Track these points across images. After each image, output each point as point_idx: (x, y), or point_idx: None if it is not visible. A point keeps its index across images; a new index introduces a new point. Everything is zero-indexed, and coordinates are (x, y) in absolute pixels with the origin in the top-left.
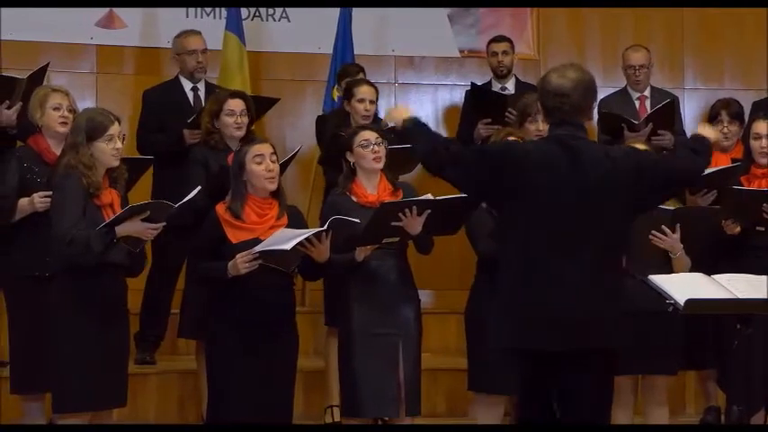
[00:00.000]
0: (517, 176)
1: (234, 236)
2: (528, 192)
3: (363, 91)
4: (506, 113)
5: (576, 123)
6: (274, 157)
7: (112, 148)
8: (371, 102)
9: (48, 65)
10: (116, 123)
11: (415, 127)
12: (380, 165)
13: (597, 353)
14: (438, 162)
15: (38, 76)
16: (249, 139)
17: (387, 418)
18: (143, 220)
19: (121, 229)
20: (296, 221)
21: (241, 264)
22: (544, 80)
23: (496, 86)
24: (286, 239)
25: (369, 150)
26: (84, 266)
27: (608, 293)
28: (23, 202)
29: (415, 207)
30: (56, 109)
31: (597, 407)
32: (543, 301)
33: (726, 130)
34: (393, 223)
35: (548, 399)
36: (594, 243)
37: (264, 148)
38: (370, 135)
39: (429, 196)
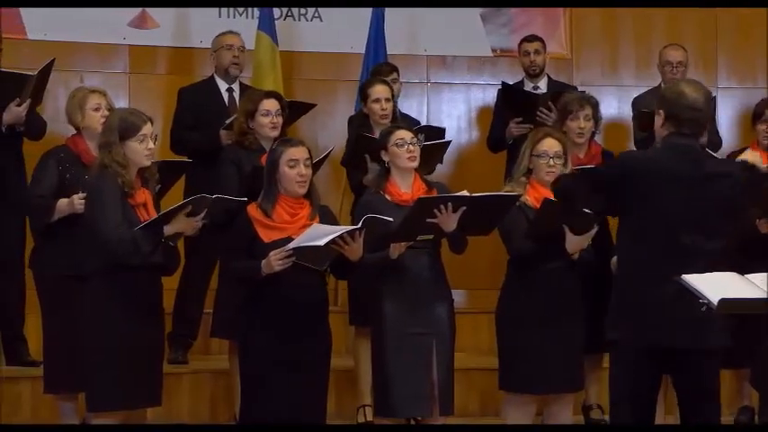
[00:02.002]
0: (643, 183)
1: (266, 235)
2: (653, 198)
3: (377, 91)
4: (538, 112)
5: (701, 134)
6: (308, 162)
7: (145, 148)
8: (387, 100)
9: (54, 60)
10: (148, 123)
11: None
12: (415, 164)
13: (712, 352)
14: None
15: (45, 74)
16: (285, 139)
17: (420, 418)
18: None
19: (170, 228)
20: (327, 221)
21: (275, 261)
22: (679, 93)
23: (529, 86)
24: (319, 236)
25: (404, 149)
26: (129, 266)
27: None
28: (62, 202)
29: (450, 203)
30: (96, 110)
31: (715, 404)
32: (663, 300)
33: None
34: (428, 220)
35: (652, 398)
36: (710, 250)
37: (299, 153)
38: (405, 134)
39: (465, 193)
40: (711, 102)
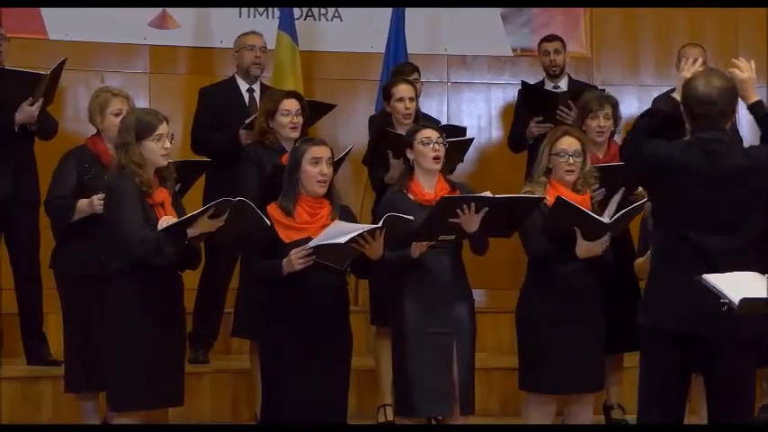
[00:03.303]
0: (663, 177)
1: (286, 235)
2: (673, 191)
3: (402, 90)
4: (558, 111)
5: (720, 128)
6: (331, 162)
7: (161, 148)
8: (411, 99)
9: (65, 60)
10: (164, 123)
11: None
12: (439, 166)
13: (745, 344)
14: None
15: (57, 72)
16: (308, 138)
17: (440, 418)
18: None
19: (193, 231)
20: (348, 221)
21: (296, 260)
22: (690, 87)
23: (549, 86)
24: (340, 234)
25: (429, 148)
26: (150, 266)
27: None
28: (83, 203)
29: (473, 204)
30: (116, 114)
31: (744, 404)
32: (689, 292)
33: None
34: (450, 220)
35: (680, 390)
36: (734, 247)
37: (323, 152)
38: (431, 133)
39: (488, 194)
40: (730, 93)
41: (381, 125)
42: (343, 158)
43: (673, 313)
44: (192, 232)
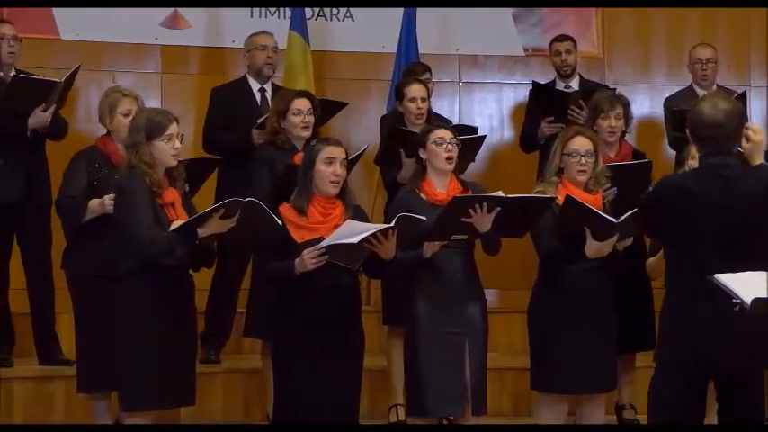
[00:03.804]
0: (679, 210)
1: (298, 235)
2: (689, 223)
3: (414, 90)
4: (569, 111)
5: (728, 151)
6: (344, 162)
7: (171, 148)
8: (423, 100)
9: (80, 66)
10: (174, 123)
11: None
12: (451, 166)
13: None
14: None
15: (71, 79)
16: (323, 138)
17: (452, 418)
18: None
19: (203, 231)
20: (360, 220)
21: (308, 260)
22: (696, 111)
23: (560, 86)
24: (353, 233)
25: (442, 149)
26: (162, 266)
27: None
28: (94, 203)
29: (486, 203)
30: (126, 115)
31: (757, 400)
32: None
33: None
34: (463, 219)
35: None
36: (750, 266)
37: (337, 152)
38: (445, 134)
39: (500, 194)
40: (738, 116)
41: (393, 124)
42: (357, 158)
43: (692, 354)
44: (202, 232)
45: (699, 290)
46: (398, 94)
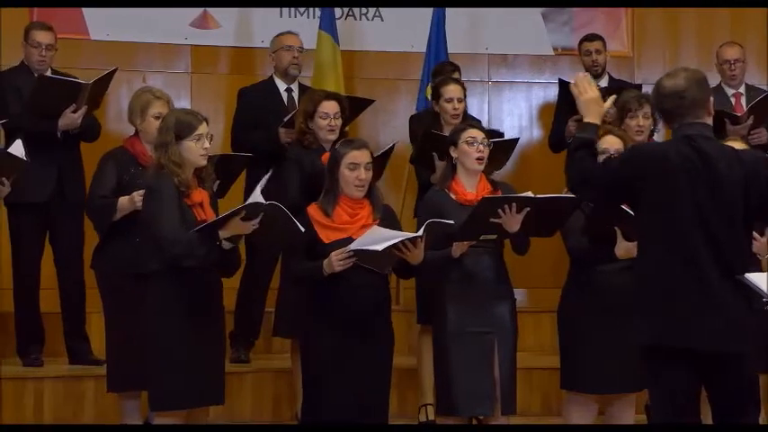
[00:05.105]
0: (659, 178)
1: (326, 236)
2: (669, 194)
3: (451, 90)
4: None
5: (701, 122)
6: (369, 166)
7: (201, 148)
8: (459, 100)
9: (115, 70)
10: (204, 123)
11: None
12: (481, 167)
13: (738, 355)
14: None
15: (104, 82)
16: (348, 140)
17: (482, 417)
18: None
19: (224, 232)
20: (388, 221)
21: (336, 261)
22: (658, 86)
23: None
24: (379, 240)
25: (473, 148)
26: (188, 266)
27: (742, 297)
28: (123, 200)
29: (515, 204)
30: (157, 117)
31: (747, 405)
32: (687, 302)
33: None
34: (492, 220)
35: (690, 399)
36: (728, 246)
37: (361, 157)
38: (476, 133)
39: (529, 194)
40: (699, 81)
41: (429, 125)
42: (385, 156)
43: (675, 330)
44: (223, 234)
45: (677, 257)
46: (435, 93)
